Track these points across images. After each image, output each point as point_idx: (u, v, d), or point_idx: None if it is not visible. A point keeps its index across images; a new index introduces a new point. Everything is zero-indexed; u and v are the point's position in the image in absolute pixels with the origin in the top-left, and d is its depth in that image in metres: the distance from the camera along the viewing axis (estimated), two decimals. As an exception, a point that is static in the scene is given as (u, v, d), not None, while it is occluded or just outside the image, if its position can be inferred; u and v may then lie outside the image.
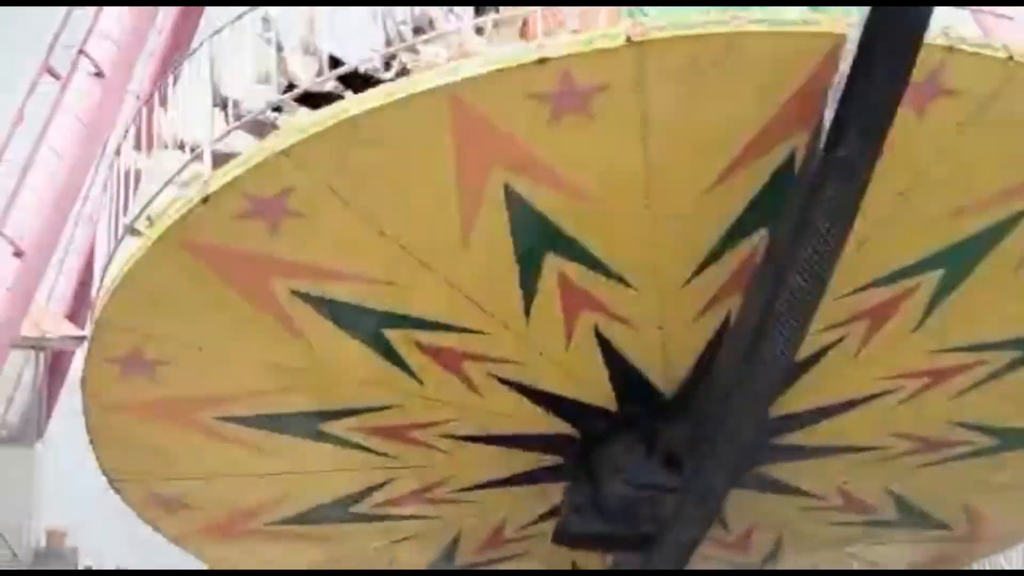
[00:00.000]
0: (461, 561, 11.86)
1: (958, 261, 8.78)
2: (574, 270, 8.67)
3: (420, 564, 12.00)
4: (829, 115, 7.51)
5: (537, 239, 8.45)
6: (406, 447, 10.17)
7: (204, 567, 12.14)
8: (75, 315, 17.94)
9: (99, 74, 14.07)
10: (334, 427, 9.95)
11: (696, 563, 11.78)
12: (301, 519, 10.99)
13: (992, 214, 8.53)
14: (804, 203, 7.86)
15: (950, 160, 8.10)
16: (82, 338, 10.33)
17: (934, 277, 8.89)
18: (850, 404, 9.88)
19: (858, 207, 7.81)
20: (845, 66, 7.37)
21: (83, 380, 9.62)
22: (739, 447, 9.57)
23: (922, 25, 7.20)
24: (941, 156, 8.07)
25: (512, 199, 8.19)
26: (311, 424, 9.94)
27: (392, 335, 9.15)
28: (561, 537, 10.22)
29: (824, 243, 7.90)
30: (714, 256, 8.60)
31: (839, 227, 7.87)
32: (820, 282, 8.13)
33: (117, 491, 10.75)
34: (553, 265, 8.63)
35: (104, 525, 12.78)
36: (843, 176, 7.64)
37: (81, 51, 14.12)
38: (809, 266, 8.01)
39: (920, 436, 10.43)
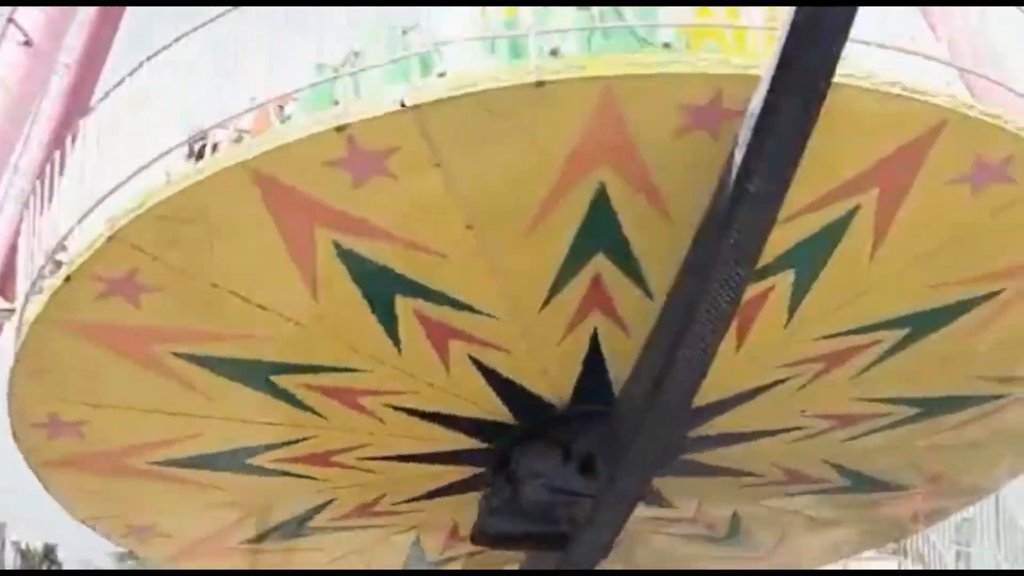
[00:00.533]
0: (433, 559, 12.39)
1: (806, 258, 8.82)
2: (429, 308, 8.97)
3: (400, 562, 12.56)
4: (740, 152, 7.71)
5: (382, 286, 8.78)
6: (332, 470, 10.66)
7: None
8: (3, 289, 17.61)
9: (28, 43, 14.28)
10: (259, 460, 10.49)
11: (665, 539, 12.22)
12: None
13: (828, 213, 8.54)
14: (716, 236, 8.08)
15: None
16: (11, 311, 10.76)
17: (788, 275, 8.95)
18: (749, 395, 9.99)
19: (767, 236, 8.04)
20: (756, 104, 7.55)
21: (15, 439, 10.31)
22: (653, 452, 9.83)
23: (832, 62, 7.37)
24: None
25: (345, 254, 8.53)
26: (238, 459, 10.48)
27: (281, 380, 9.61)
28: (479, 537, 10.58)
29: (734, 272, 8.17)
30: (560, 283, 8.82)
31: (749, 257, 8.13)
32: (732, 305, 8.41)
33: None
34: (406, 306, 8.95)
35: (33, 498, 13.10)
36: (754, 210, 7.86)
37: (10, 20, 14.28)
38: (722, 291, 8.28)
39: (834, 414, 10.50)
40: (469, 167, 8.01)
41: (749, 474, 11.18)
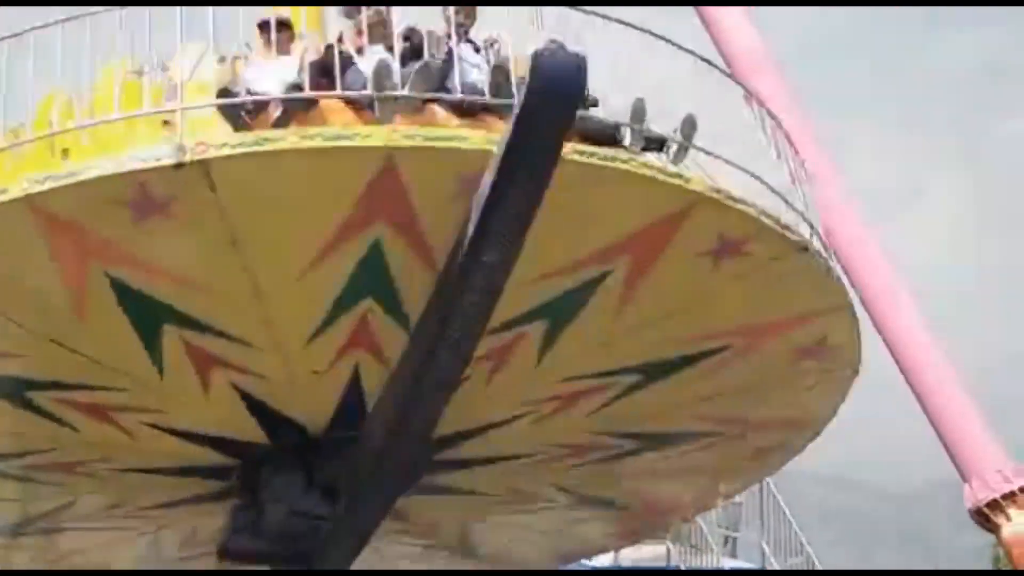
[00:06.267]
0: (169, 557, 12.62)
1: (559, 311, 9.45)
2: (194, 336, 9.17)
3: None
4: (472, 224, 8.14)
5: (150, 315, 8.93)
6: (76, 478, 10.74)
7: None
8: None
9: None
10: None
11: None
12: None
13: (581, 275, 9.17)
14: (447, 302, 8.60)
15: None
16: None
17: (541, 325, 9.57)
18: (490, 426, 10.60)
19: (495, 304, 8.56)
20: (488, 178, 8.00)
21: None
22: (394, 479, 10.32)
23: (557, 148, 7.88)
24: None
25: (116, 285, 8.66)
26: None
27: (35, 396, 9.65)
28: (224, 553, 10.88)
29: (466, 330, 8.70)
30: (327, 322, 9.16)
31: (479, 320, 8.68)
32: (463, 360, 8.98)
33: None
34: (173, 333, 9.13)
35: None
36: (484, 278, 8.36)
37: None
38: (454, 348, 8.81)
39: (567, 444, 11.24)
40: (250, 218, 8.27)
41: (482, 494, 11.83)
